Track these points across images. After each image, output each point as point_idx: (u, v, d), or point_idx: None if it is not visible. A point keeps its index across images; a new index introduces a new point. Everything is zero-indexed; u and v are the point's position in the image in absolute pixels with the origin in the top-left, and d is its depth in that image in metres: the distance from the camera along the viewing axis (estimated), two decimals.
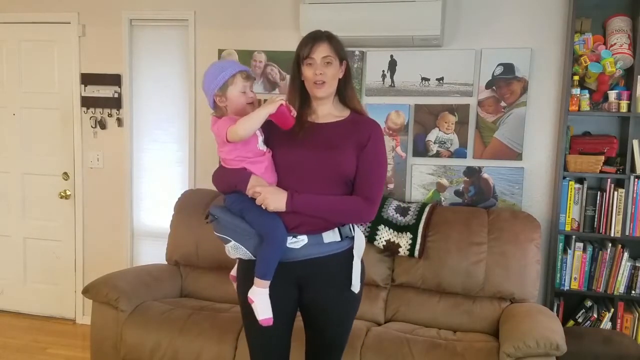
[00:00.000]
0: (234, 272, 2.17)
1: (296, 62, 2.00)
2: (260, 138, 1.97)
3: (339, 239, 1.98)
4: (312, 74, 1.95)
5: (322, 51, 1.94)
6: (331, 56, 1.95)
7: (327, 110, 2.03)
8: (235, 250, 1.96)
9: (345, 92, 2.04)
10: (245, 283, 1.99)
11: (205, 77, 2.00)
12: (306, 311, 2.07)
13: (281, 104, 1.86)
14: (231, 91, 1.93)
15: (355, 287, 1.99)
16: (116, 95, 3.79)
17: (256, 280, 1.92)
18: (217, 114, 2.01)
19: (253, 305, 1.93)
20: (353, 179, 1.97)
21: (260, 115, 1.86)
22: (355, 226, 2.06)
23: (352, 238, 2.02)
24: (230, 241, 1.95)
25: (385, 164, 2.06)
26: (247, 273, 1.97)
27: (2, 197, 4.12)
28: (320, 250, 1.96)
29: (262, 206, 1.90)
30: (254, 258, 1.94)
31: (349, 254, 2.00)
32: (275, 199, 1.89)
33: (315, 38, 1.96)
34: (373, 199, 1.97)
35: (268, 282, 1.92)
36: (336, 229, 1.98)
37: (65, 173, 3.97)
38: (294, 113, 1.92)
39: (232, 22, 3.58)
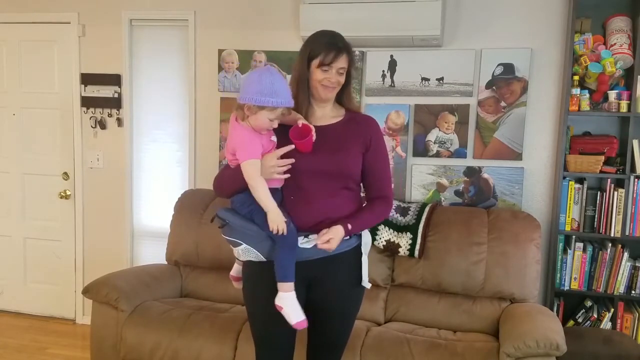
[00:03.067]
0: (233, 272, 2.17)
1: (307, 61, 1.98)
2: (275, 143, 1.97)
3: (347, 237, 2.00)
4: (323, 78, 1.97)
5: (341, 62, 1.97)
6: (345, 68, 2.00)
7: (325, 112, 2.06)
8: (247, 253, 1.95)
9: (343, 94, 2.07)
10: (255, 285, 2.01)
11: (253, 84, 1.86)
12: (313, 309, 2.06)
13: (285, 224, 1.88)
14: (263, 114, 1.86)
15: (366, 282, 2.05)
16: (116, 95, 3.79)
17: (280, 285, 1.91)
18: (238, 114, 1.93)
19: (283, 312, 1.90)
20: (360, 177, 2.03)
21: (265, 204, 1.87)
22: None
23: (359, 236, 2.06)
24: (241, 244, 1.94)
25: (388, 158, 2.15)
26: (259, 275, 1.98)
27: (2, 197, 4.12)
28: None
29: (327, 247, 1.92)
30: (265, 260, 1.94)
31: (355, 252, 2.05)
32: (336, 233, 1.93)
33: (339, 49, 1.96)
34: (390, 196, 2.10)
35: (292, 284, 1.91)
36: None
37: (65, 173, 3.97)
38: (314, 137, 1.93)
39: (232, 22, 3.58)
